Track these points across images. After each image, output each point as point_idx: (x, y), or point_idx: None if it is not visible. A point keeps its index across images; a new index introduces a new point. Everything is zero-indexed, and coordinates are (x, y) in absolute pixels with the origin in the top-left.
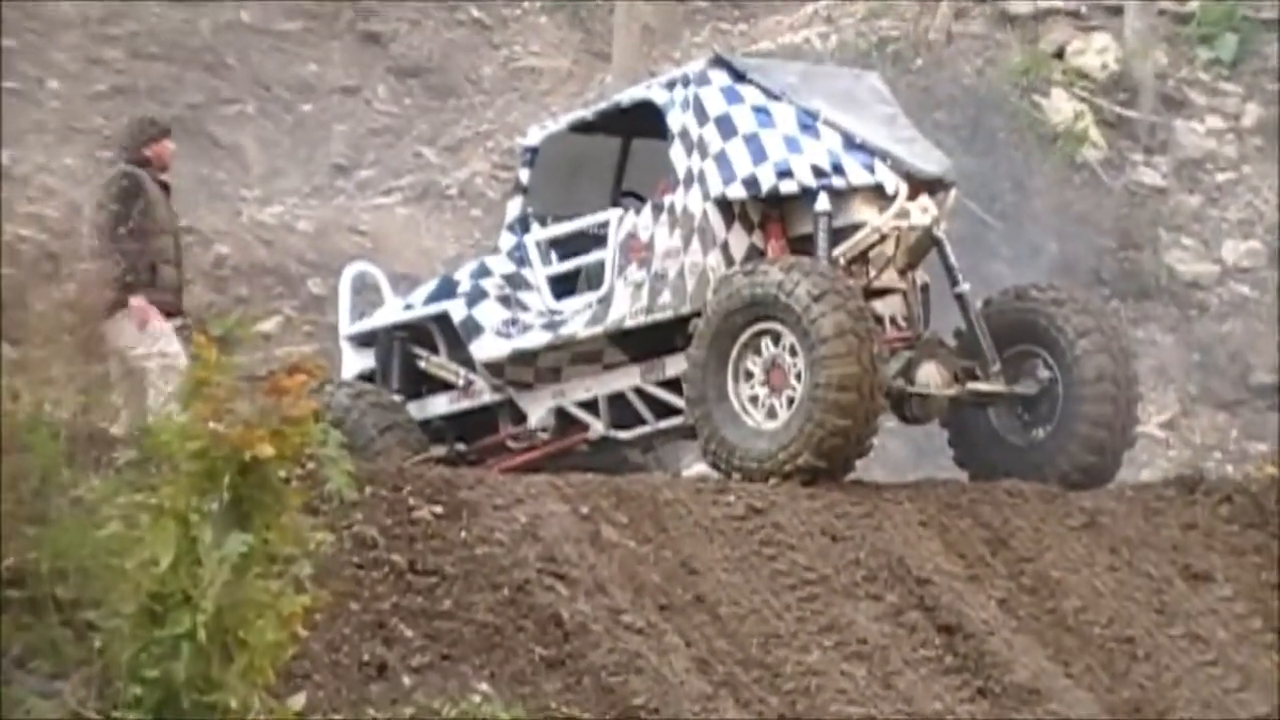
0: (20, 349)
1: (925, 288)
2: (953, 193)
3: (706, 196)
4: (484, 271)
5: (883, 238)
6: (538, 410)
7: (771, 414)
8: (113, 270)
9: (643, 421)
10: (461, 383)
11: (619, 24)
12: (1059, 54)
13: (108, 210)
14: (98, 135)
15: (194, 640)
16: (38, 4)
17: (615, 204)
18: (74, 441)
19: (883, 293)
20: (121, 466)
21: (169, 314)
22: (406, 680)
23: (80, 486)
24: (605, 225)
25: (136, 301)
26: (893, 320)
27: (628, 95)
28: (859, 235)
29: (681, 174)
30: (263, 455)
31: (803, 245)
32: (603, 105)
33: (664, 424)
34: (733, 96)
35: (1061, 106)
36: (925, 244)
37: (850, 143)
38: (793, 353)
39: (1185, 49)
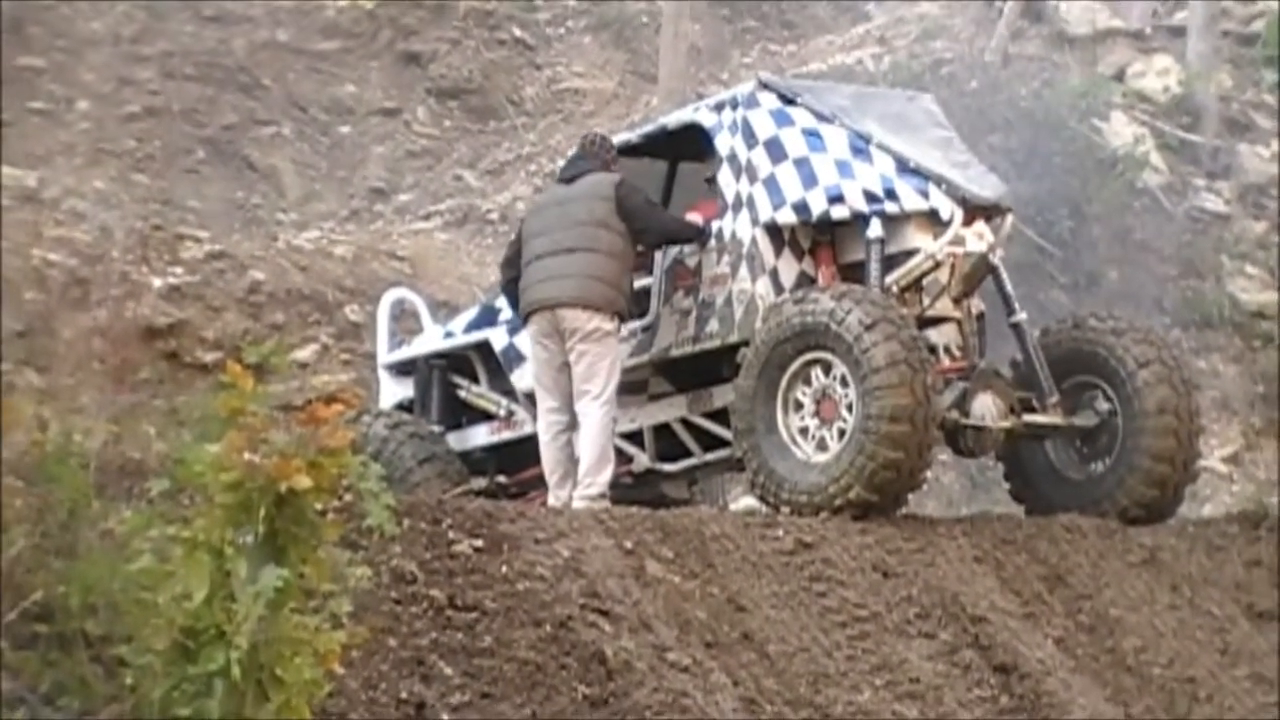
0: (48, 376)
1: (981, 316)
2: (1009, 219)
3: (755, 222)
4: None
5: (937, 265)
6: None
7: (822, 446)
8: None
9: (689, 454)
10: (502, 413)
11: (665, 44)
12: (1119, 76)
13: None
14: (129, 157)
15: (228, 678)
16: (67, 22)
17: None
18: (104, 472)
19: (937, 321)
20: (153, 498)
21: None
22: (445, 719)
23: (110, 518)
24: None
25: None
26: (947, 350)
27: (674, 117)
28: (912, 262)
29: (730, 199)
30: (299, 487)
31: (854, 272)
32: (648, 128)
33: (710, 456)
34: (782, 119)
35: (1121, 130)
36: (981, 271)
37: (904, 167)
38: (844, 383)
39: (1250, 71)
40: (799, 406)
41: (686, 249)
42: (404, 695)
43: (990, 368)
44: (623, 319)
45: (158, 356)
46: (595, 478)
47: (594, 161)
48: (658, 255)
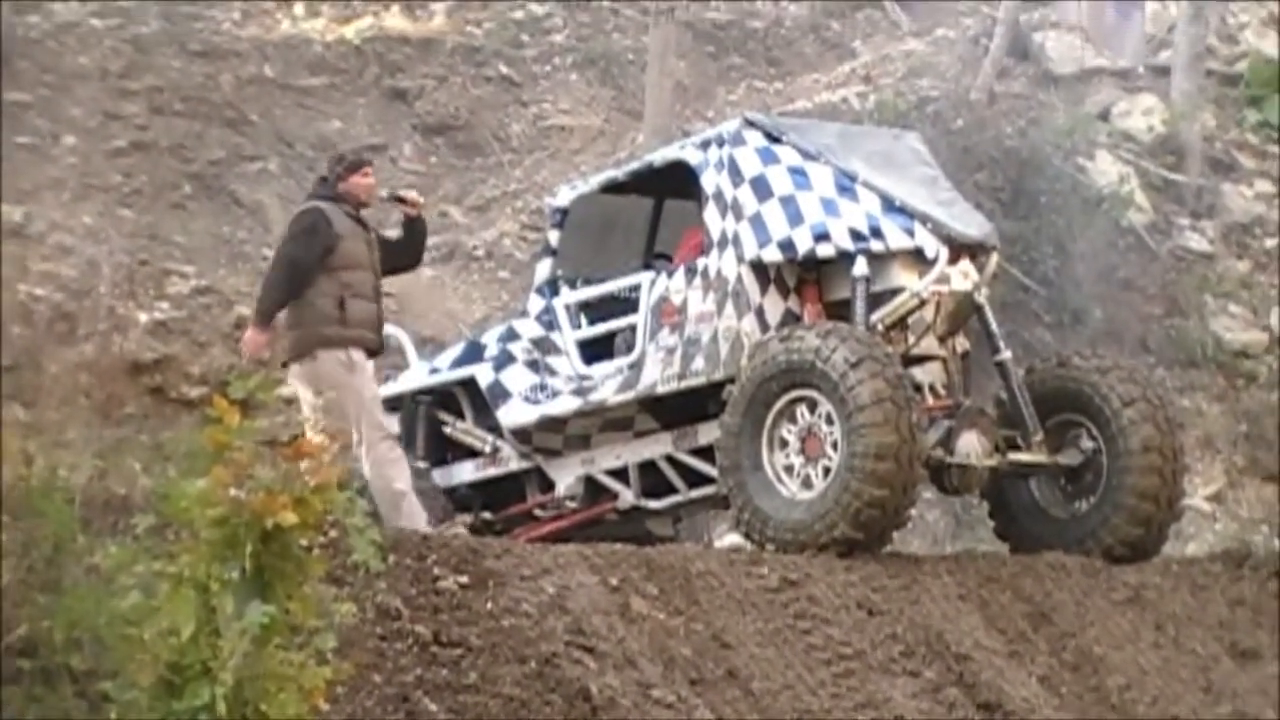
0: (34, 411)
1: (966, 354)
2: (994, 257)
3: (741, 259)
4: (512, 335)
5: (922, 303)
6: (566, 478)
7: (807, 484)
8: (299, 311)
9: (674, 490)
10: (488, 449)
11: (651, 81)
12: (1104, 115)
13: (286, 247)
14: (116, 192)
15: (213, 714)
16: (54, 56)
17: (647, 266)
18: (89, 507)
19: (922, 360)
20: (139, 533)
21: (369, 353)
22: None
23: (96, 554)
24: (637, 288)
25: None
26: (932, 388)
27: (660, 155)
28: (898, 300)
29: (716, 236)
30: (285, 523)
31: (840, 310)
32: (634, 165)
33: (696, 493)
34: (768, 157)
35: (1106, 169)
36: (966, 310)
37: (889, 205)
38: (829, 421)
39: (1233, 111)
40: (784, 444)
41: (673, 287)
42: None
43: (975, 406)
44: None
45: (143, 392)
46: None
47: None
48: (643, 292)
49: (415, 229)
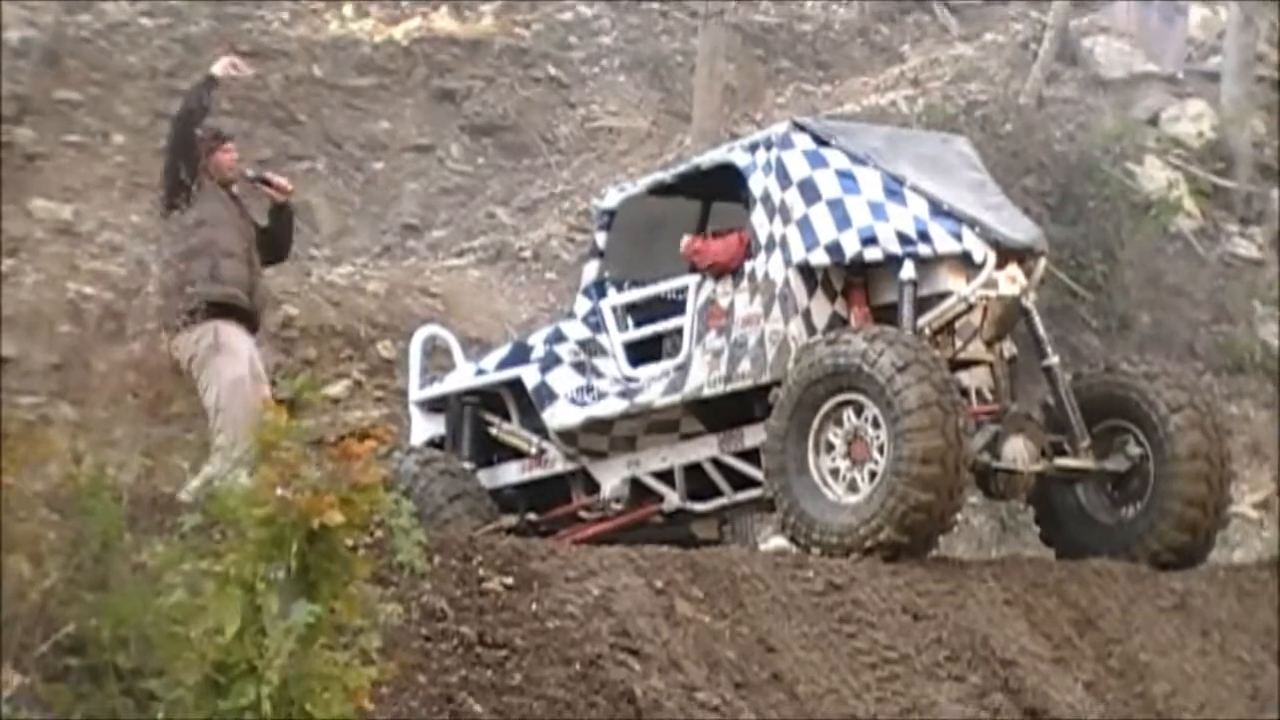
0: (82, 410)
1: (1013, 359)
2: (1042, 262)
3: (788, 263)
4: (558, 337)
5: (969, 308)
6: (611, 480)
7: (853, 487)
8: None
9: (719, 493)
10: (534, 451)
11: (699, 84)
12: (1153, 120)
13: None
14: None
15: (258, 713)
16: (104, 55)
17: (694, 269)
18: (137, 506)
19: (969, 364)
20: (185, 532)
21: (243, 319)
22: None
23: (143, 552)
24: (683, 291)
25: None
26: (979, 393)
27: (708, 157)
28: (945, 305)
29: (763, 239)
30: (331, 523)
31: (887, 314)
32: (682, 167)
33: (741, 496)
34: (817, 160)
35: (1155, 174)
36: (1013, 314)
37: (937, 209)
38: (875, 425)
39: None
40: (830, 448)
41: (720, 289)
42: None
43: (1022, 411)
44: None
45: (190, 390)
46: None
47: None
48: (690, 294)
49: (282, 216)
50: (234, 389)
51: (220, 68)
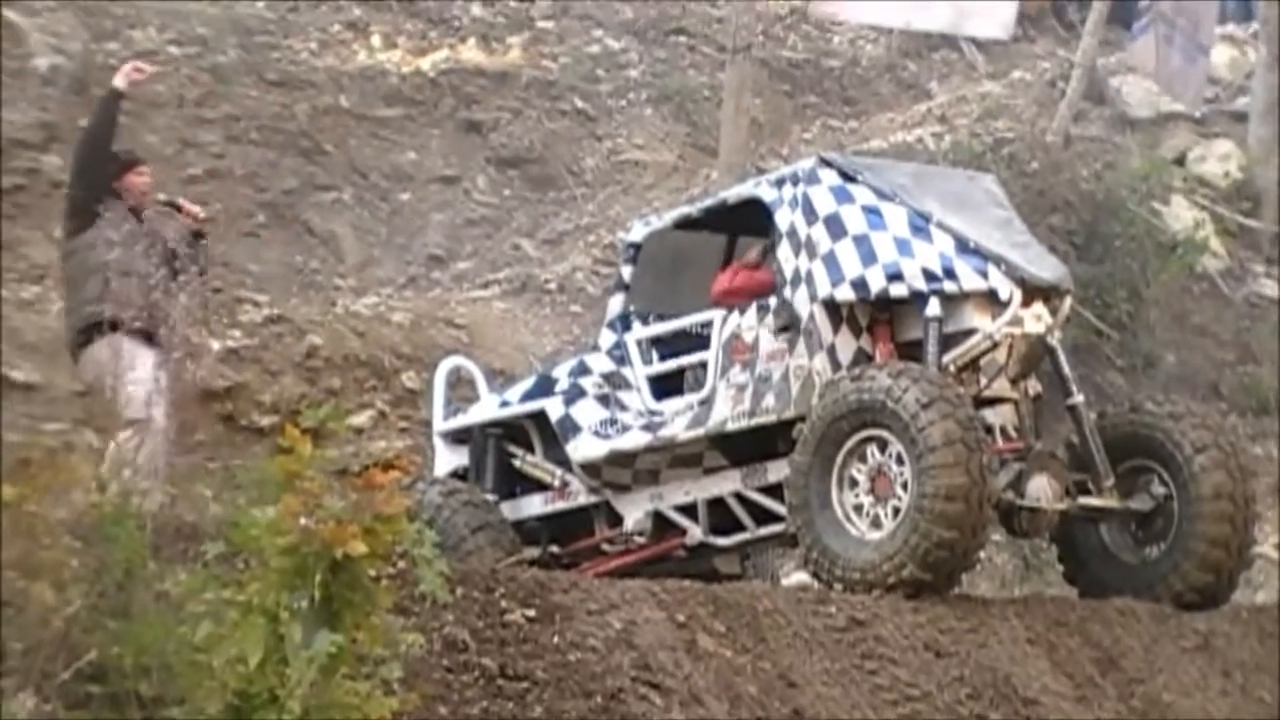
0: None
1: (1038, 397)
2: (1068, 300)
3: (814, 298)
4: (583, 369)
5: (994, 345)
6: (634, 513)
7: (876, 524)
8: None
9: (742, 528)
10: (557, 483)
11: (726, 118)
12: (1180, 160)
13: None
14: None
15: None
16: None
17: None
18: (160, 534)
19: (993, 402)
20: (209, 561)
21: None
22: None
23: (166, 580)
24: (708, 325)
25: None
26: (1003, 430)
27: (734, 192)
28: (970, 342)
29: (789, 274)
30: (355, 553)
31: (912, 351)
32: (708, 201)
33: (764, 531)
34: (843, 196)
35: (1181, 214)
36: (1038, 353)
37: (963, 246)
38: (899, 461)
39: None
40: (854, 483)
41: (745, 324)
42: None
43: (1046, 449)
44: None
45: (215, 419)
46: None
47: None
48: (715, 329)
49: (195, 245)
50: (130, 405)
51: (122, 79)
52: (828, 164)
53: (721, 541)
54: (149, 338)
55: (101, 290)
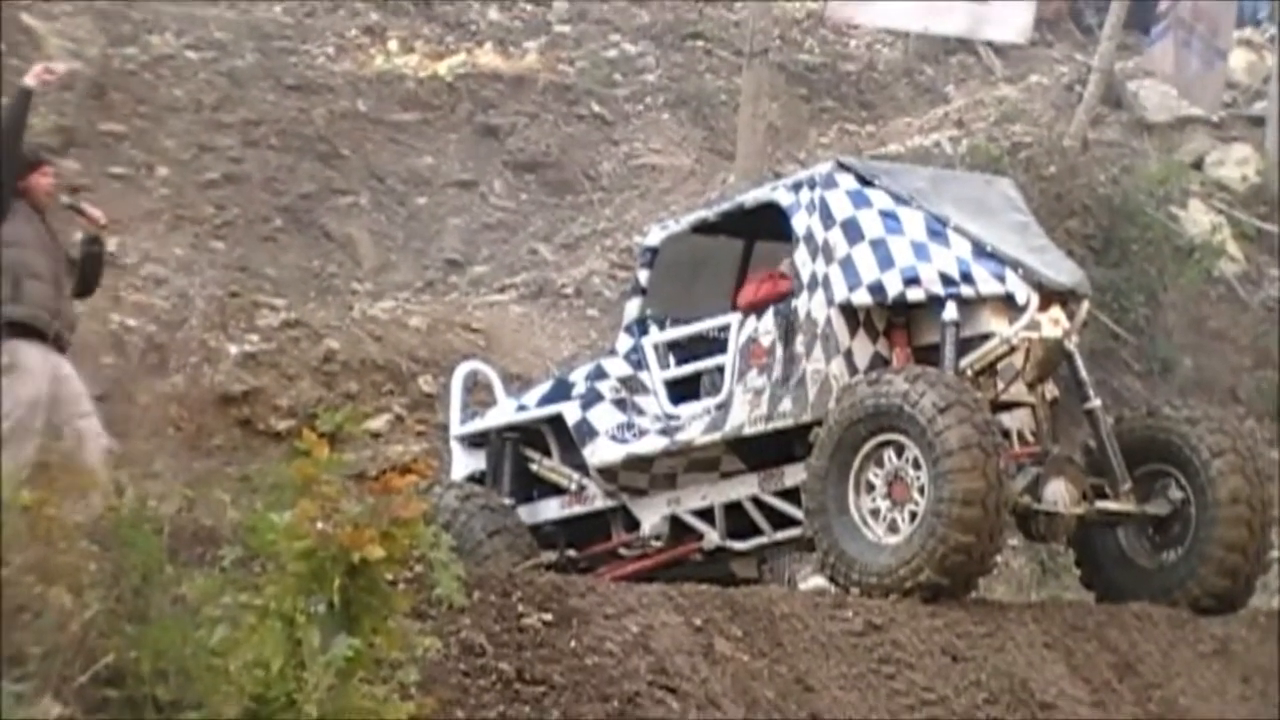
0: (125, 442)
1: (1055, 402)
2: (1085, 305)
3: (831, 302)
4: (600, 374)
5: (1012, 349)
6: (651, 517)
7: (893, 528)
8: None
9: (759, 532)
10: (574, 487)
11: (743, 122)
12: (1197, 164)
13: None
14: (208, 224)
15: None
16: (149, 88)
17: (736, 307)
18: (177, 538)
19: (1010, 406)
20: (226, 565)
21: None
22: None
23: (183, 584)
24: (725, 329)
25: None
26: (1020, 435)
27: (751, 196)
28: (987, 346)
29: (806, 279)
30: (372, 557)
31: (928, 355)
32: (725, 205)
33: (781, 535)
34: (860, 200)
35: (1199, 218)
36: (1055, 357)
37: (980, 251)
38: (916, 466)
39: None
40: (871, 488)
41: (762, 328)
42: None
43: (1063, 454)
44: None
45: (232, 423)
46: None
47: None
48: (732, 333)
49: (93, 247)
50: (30, 410)
51: (33, 77)
52: (845, 168)
53: (738, 546)
54: (50, 341)
55: (12, 291)
